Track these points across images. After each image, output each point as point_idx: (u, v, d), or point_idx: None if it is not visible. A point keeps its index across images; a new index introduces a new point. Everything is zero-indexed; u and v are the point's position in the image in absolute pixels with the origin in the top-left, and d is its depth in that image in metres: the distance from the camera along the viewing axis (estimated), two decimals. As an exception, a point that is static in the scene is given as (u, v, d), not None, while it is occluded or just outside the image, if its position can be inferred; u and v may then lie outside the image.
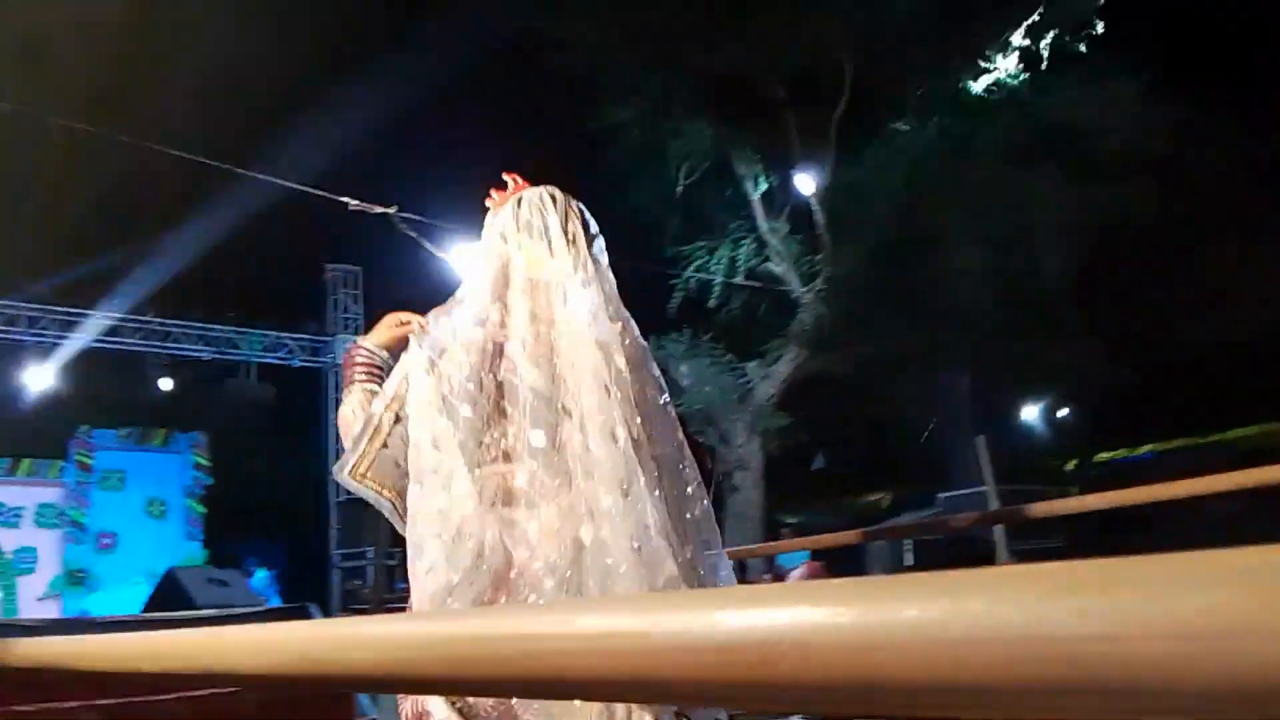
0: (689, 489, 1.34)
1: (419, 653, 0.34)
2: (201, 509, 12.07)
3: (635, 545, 1.20)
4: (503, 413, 1.29)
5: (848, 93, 11.05)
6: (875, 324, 11.23)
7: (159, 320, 11.71)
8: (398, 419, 1.33)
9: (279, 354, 12.37)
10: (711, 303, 11.98)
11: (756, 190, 11.82)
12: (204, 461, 12.15)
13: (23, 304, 10.92)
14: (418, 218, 8.24)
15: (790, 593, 0.29)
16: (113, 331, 11.47)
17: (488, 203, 1.49)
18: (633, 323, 1.39)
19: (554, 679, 0.30)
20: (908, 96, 11.55)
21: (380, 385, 1.43)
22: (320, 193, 8.19)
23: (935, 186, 11.09)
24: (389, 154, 13.63)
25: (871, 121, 11.48)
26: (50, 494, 11.66)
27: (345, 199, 7.95)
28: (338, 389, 12.57)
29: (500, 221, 1.43)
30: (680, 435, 1.38)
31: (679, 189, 11.83)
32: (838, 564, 7.73)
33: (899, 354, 11.67)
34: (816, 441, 15.08)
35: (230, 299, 12.52)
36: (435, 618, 0.37)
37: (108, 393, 12.18)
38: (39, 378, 11.17)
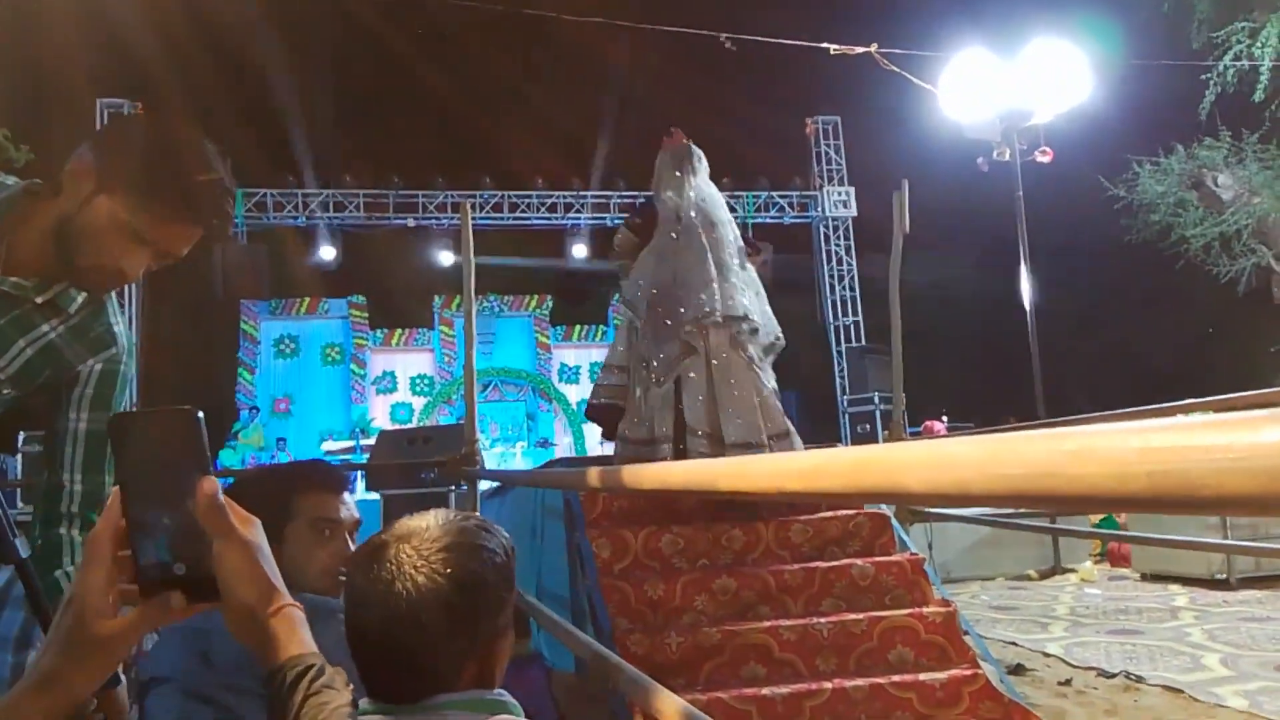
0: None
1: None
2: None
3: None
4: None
5: None
6: None
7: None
8: None
9: (770, 213, 12.93)
10: (1258, 95, 9.89)
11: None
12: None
13: (554, 192, 12.70)
14: (900, 50, 7.93)
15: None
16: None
17: (664, 144, 4.21)
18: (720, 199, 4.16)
19: None
20: None
21: None
22: (799, 43, 8.25)
23: None
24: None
25: None
26: (600, 353, 13.78)
27: (825, 45, 7.93)
28: (827, 241, 12.84)
29: (663, 157, 4.14)
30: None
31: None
32: None
33: None
34: None
35: (723, 164, 13.29)
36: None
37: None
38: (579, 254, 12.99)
